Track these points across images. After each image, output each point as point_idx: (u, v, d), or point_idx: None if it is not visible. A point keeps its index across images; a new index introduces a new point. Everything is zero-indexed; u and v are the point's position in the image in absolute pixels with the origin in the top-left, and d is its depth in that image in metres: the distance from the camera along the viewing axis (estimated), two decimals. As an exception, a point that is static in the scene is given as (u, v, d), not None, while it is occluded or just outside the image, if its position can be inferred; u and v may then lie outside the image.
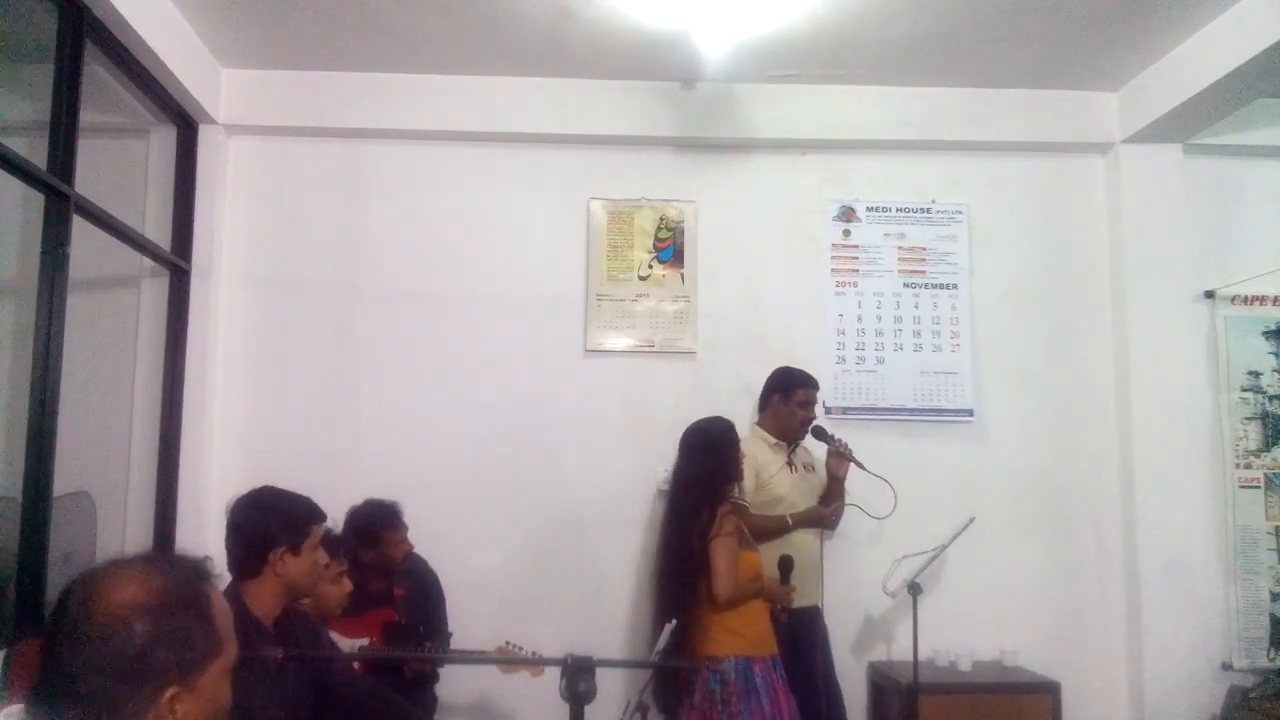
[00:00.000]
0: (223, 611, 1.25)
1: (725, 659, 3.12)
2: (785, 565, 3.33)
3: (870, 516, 3.78)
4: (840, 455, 3.72)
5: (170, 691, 1.14)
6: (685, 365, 4.20)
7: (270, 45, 3.91)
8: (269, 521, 2.20)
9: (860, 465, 3.73)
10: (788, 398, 3.78)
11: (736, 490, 3.39)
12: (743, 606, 3.18)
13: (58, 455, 3.00)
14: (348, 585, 2.69)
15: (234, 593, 2.13)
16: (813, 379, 3.85)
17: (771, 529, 3.56)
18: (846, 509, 3.79)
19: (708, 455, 3.32)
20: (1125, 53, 3.90)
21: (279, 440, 4.05)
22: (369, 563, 3.33)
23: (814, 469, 3.86)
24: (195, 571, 1.24)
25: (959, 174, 4.35)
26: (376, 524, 3.36)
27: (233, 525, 2.22)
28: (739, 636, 3.16)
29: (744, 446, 3.59)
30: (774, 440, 3.79)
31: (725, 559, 3.14)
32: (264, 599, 2.18)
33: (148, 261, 3.91)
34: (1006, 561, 4.11)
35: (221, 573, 1.30)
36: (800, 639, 3.47)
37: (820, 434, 3.78)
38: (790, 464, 3.78)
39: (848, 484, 3.76)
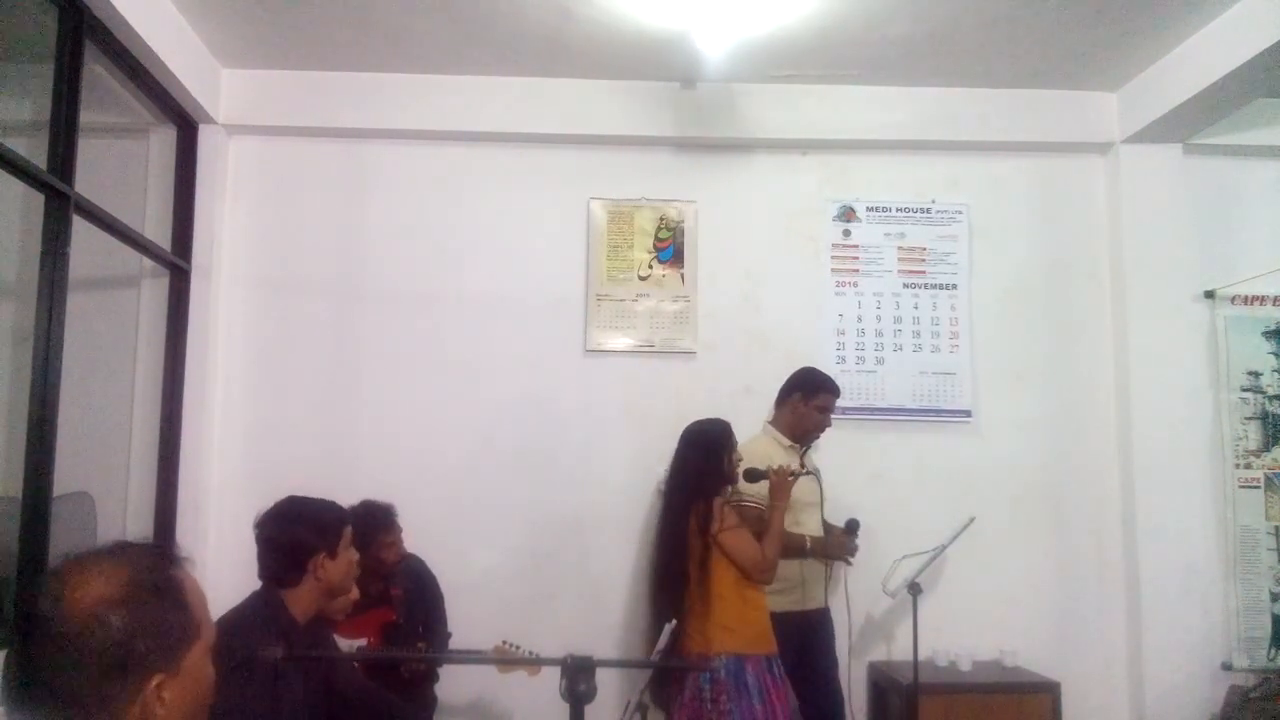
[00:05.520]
0: (196, 593, 1.24)
1: (717, 657, 3.09)
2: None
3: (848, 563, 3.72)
4: (846, 545, 3.66)
5: (156, 680, 1.14)
6: (685, 365, 4.20)
7: (270, 45, 3.91)
8: (303, 532, 2.27)
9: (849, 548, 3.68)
10: (809, 398, 3.73)
11: (730, 490, 3.37)
12: (741, 604, 3.18)
13: (58, 455, 3.00)
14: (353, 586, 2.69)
15: (275, 598, 2.23)
16: (837, 386, 3.81)
17: (789, 546, 3.42)
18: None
19: (704, 454, 3.32)
20: (1125, 53, 3.90)
21: (279, 440, 4.05)
22: (361, 565, 3.32)
23: (819, 472, 3.83)
24: (159, 558, 1.23)
25: (959, 174, 4.35)
26: (370, 526, 3.34)
27: (266, 540, 2.28)
28: (733, 634, 3.14)
29: (756, 445, 3.61)
30: (787, 443, 3.72)
31: (741, 543, 3.17)
32: (305, 603, 2.27)
33: (148, 261, 3.91)
34: (1006, 561, 4.11)
35: (189, 556, 1.28)
36: (809, 641, 3.46)
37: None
38: (803, 467, 3.76)
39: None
